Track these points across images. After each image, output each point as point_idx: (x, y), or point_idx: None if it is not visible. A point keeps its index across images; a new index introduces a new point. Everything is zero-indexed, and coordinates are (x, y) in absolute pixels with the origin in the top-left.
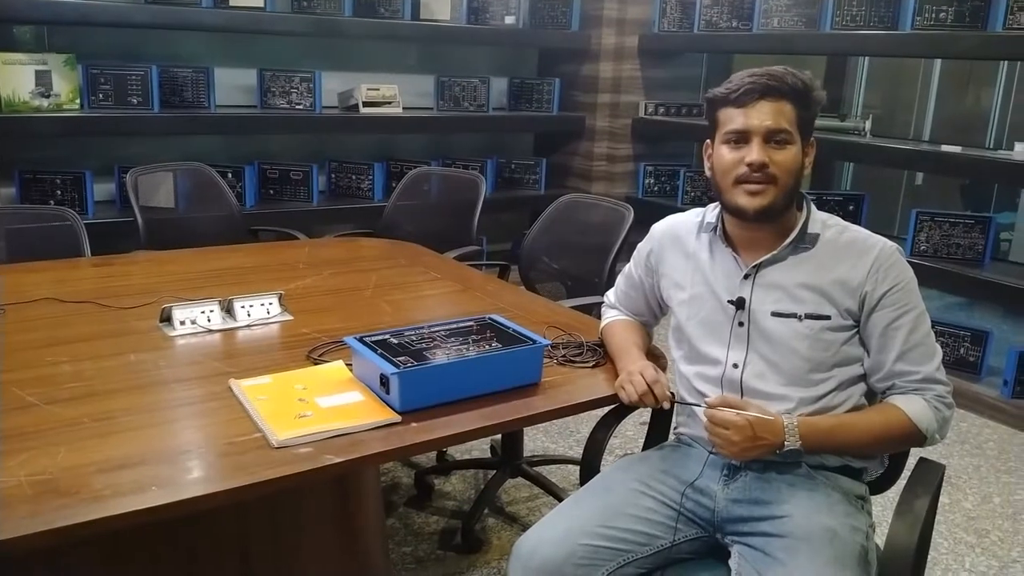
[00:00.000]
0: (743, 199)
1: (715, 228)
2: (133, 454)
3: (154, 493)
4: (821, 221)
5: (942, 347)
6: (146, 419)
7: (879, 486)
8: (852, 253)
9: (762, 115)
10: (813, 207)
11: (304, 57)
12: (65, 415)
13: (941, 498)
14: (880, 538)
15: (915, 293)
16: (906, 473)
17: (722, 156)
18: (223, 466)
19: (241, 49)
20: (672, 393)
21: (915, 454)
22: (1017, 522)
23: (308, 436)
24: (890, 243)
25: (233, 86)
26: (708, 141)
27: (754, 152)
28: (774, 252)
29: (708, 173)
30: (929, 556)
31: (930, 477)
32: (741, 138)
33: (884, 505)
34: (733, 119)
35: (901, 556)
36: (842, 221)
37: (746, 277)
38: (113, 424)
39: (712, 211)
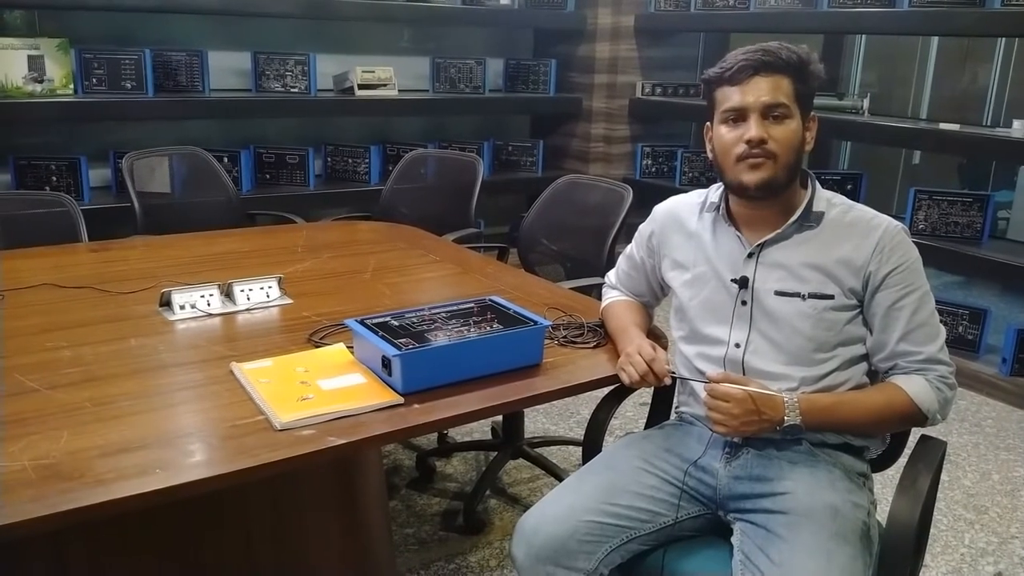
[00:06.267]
0: (744, 175)
1: (718, 207)
2: (135, 438)
3: (158, 476)
4: (826, 199)
5: (940, 325)
6: (148, 403)
7: (880, 464)
8: (857, 232)
9: (758, 91)
10: (818, 185)
11: (298, 40)
12: (67, 400)
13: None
14: (881, 515)
15: (920, 273)
16: (907, 451)
17: (721, 136)
18: (226, 449)
19: (235, 32)
20: (672, 371)
21: (916, 432)
22: (1015, 498)
23: (311, 418)
24: (895, 222)
25: (227, 70)
26: (708, 124)
27: (752, 128)
28: (778, 231)
29: (710, 156)
30: (929, 533)
31: (931, 454)
32: (739, 116)
33: (884, 483)
34: (730, 97)
35: (903, 532)
36: (847, 200)
37: (750, 256)
38: (115, 408)
39: (715, 191)
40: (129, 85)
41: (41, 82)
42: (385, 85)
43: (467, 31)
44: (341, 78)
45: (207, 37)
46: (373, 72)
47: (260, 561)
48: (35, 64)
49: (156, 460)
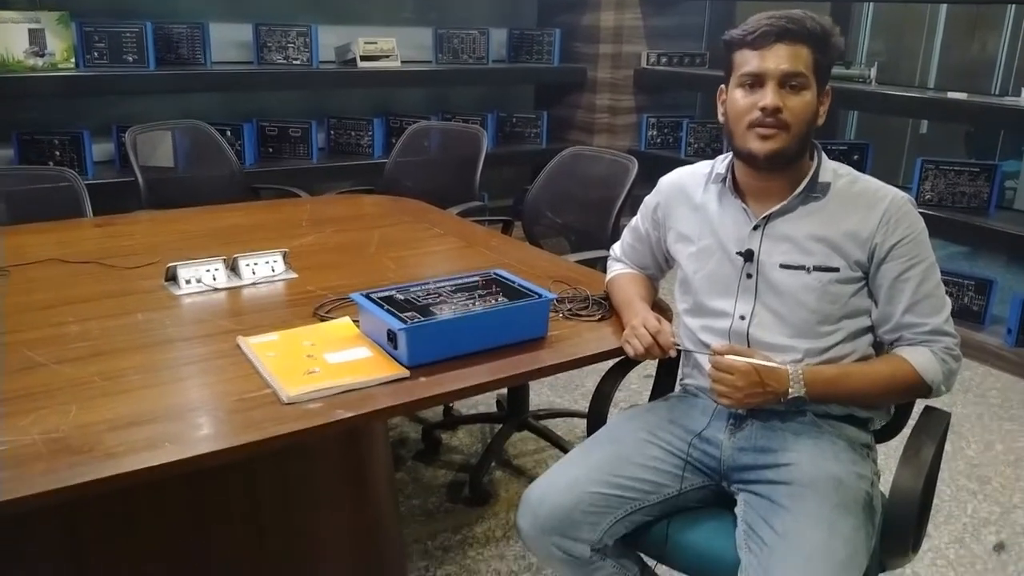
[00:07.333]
0: (754, 143)
1: (724, 179)
2: (144, 412)
3: (167, 450)
4: (832, 170)
5: (946, 296)
6: (155, 377)
7: (884, 435)
8: (863, 204)
9: (778, 58)
10: (824, 156)
11: (300, 11)
12: (75, 375)
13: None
14: (885, 486)
15: (925, 245)
16: (911, 422)
17: (736, 100)
18: (234, 422)
19: (236, 4)
20: (677, 343)
21: (920, 403)
22: (1018, 468)
23: (317, 391)
24: (901, 194)
25: (229, 42)
26: (722, 86)
27: (768, 96)
28: (784, 203)
29: (721, 119)
30: (932, 503)
31: (935, 425)
32: (756, 81)
33: (888, 454)
34: (748, 62)
35: (906, 502)
36: (854, 171)
37: (755, 228)
38: (123, 383)
39: (722, 162)
40: (131, 58)
41: (42, 56)
42: (388, 56)
43: (470, 0)
44: (343, 49)
45: (208, 9)
46: (375, 43)
47: (268, 533)
48: (36, 38)
49: (165, 434)
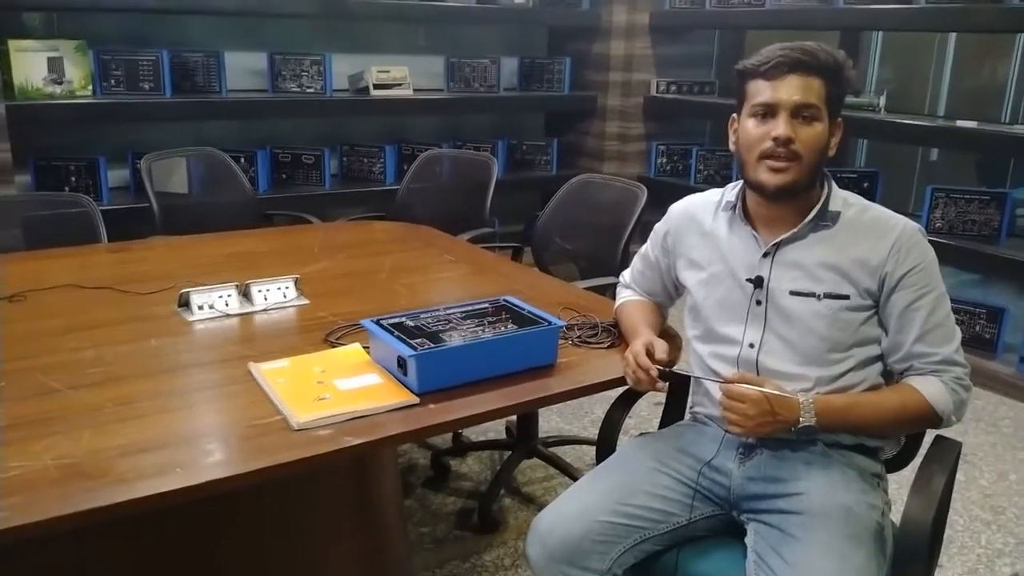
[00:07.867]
0: (765, 175)
1: (735, 206)
2: (156, 438)
3: (178, 476)
4: (842, 199)
5: (957, 324)
6: (167, 403)
7: (895, 464)
8: (873, 233)
9: (791, 89)
10: (834, 185)
11: (314, 40)
12: (88, 400)
13: (957, 476)
14: (896, 516)
15: (935, 274)
16: (922, 451)
17: (747, 130)
18: (245, 448)
19: (251, 33)
20: (669, 371)
21: (931, 432)
22: None
23: (328, 418)
24: (912, 223)
25: (244, 70)
26: (734, 115)
27: (780, 126)
28: (794, 230)
29: (732, 147)
30: (945, 533)
31: (946, 455)
32: (768, 111)
33: (900, 483)
34: (761, 92)
35: (917, 533)
36: (863, 200)
37: (765, 255)
38: (135, 408)
39: (732, 190)
40: (147, 86)
41: (60, 83)
42: (400, 85)
43: (481, 30)
44: (356, 78)
45: (224, 38)
46: (388, 72)
47: (275, 559)
48: (54, 66)
49: (176, 460)
